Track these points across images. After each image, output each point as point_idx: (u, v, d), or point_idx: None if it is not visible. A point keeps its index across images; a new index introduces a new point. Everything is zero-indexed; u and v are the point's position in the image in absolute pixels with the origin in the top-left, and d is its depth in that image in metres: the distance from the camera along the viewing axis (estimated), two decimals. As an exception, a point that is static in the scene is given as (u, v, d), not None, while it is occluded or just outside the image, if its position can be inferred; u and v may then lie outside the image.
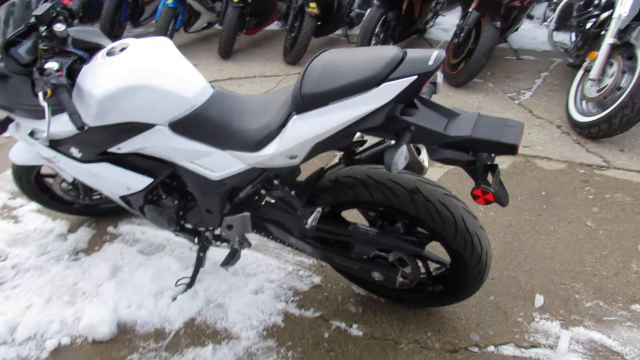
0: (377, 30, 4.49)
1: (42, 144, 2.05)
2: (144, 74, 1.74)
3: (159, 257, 2.43)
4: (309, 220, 1.74)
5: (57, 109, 1.83)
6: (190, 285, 2.22)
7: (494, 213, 2.64)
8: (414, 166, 1.64)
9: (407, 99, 1.41)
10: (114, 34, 6.04)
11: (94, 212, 2.76)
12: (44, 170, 2.48)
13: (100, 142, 1.89)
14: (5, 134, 2.05)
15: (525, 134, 3.40)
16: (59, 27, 1.97)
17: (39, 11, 1.86)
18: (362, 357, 1.91)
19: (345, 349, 1.93)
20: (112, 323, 2.06)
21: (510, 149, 1.34)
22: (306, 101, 1.45)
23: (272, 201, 1.94)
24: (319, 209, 1.74)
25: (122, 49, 1.85)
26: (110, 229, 2.69)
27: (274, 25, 6.19)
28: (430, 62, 1.33)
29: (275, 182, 1.76)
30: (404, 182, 1.65)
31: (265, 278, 2.26)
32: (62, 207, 2.68)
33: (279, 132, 1.56)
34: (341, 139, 1.51)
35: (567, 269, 2.25)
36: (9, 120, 2.07)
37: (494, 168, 1.50)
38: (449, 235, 1.65)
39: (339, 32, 5.85)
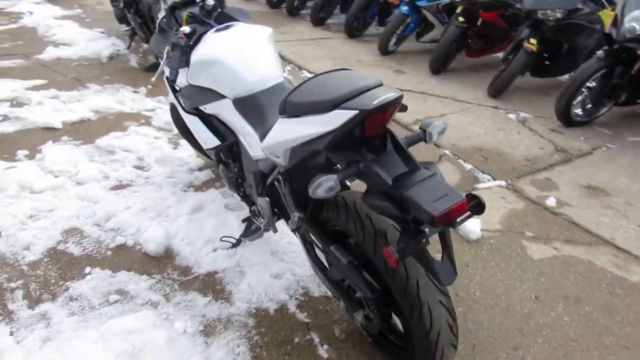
0: (590, 83, 3.92)
1: (169, 88, 2.53)
2: (223, 51, 2.01)
3: (233, 214, 2.74)
4: (289, 222, 1.80)
5: (182, 62, 2.23)
6: (234, 245, 2.48)
7: (555, 314, 2.19)
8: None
9: (364, 135, 1.36)
10: (357, 28, 6.58)
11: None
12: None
13: (193, 99, 2.25)
14: (153, 79, 2.58)
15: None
16: (209, 1, 2.40)
17: None
18: (309, 376, 1.90)
19: (301, 361, 1.95)
20: (161, 245, 2.47)
21: (430, 219, 1.20)
22: (288, 107, 1.52)
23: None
24: (298, 214, 1.77)
25: (227, 29, 2.16)
26: (222, 178, 3.13)
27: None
28: (374, 102, 1.27)
29: (280, 177, 1.86)
30: (377, 223, 1.57)
31: (291, 269, 2.37)
32: (200, 148, 3.22)
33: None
34: (312, 153, 1.53)
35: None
36: (157, 65, 2.61)
37: (444, 239, 1.35)
38: (397, 292, 1.52)
39: (566, 76, 5.24)
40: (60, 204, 2.76)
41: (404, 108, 1.47)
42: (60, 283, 2.24)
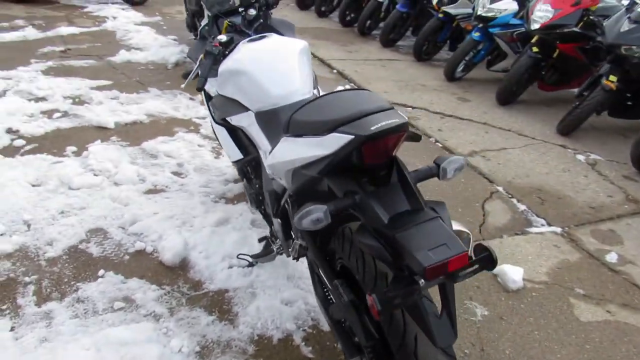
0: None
1: (204, 96, 2.49)
2: (250, 62, 1.93)
3: (257, 231, 2.64)
4: (290, 249, 1.66)
5: (213, 71, 2.18)
6: (250, 265, 2.37)
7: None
8: None
9: (363, 163, 1.20)
10: (426, 51, 6.38)
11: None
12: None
13: (222, 109, 2.19)
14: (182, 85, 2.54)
15: None
16: (251, 12, 2.35)
17: None
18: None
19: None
20: (178, 256, 2.41)
21: (420, 270, 1.02)
22: (291, 125, 1.39)
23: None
24: (299, 242, 1.63)
25: (260, 39, 2.08)
26: (255, 193, 3.05)
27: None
28: (372, 127, 1.11)
29: (288, 199, 1.73)
30: (381, 263, 1.40)
31: (304, 297, 2.23)
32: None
33: None
34: (313, 178, 1.39)
35: None
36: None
37: (444, 293, 1.16)
38: (393, 345, 1.33)
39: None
40: (92, 203, 2.78)
41: (415, 138, 1.30)
42: (72, 283, 2.23)
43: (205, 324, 2.08)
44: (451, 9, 5.81)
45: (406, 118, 1.20)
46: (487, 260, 1.14)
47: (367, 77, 5.50)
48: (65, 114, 3.88)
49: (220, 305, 2.19)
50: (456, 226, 1.45)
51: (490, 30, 5.20)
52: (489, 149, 4.05)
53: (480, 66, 5.72)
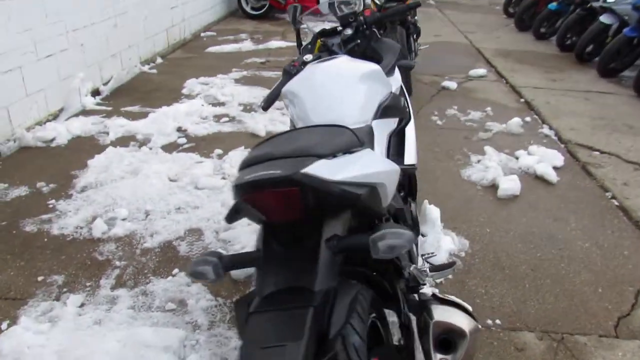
0: None
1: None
2: (304, 83, 1.81)
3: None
4: None
5: None
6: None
7: None
8: None
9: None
10: (610, 68, 5.50)
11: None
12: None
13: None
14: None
15: None
16: (347, 32, 2.24)
17: (342, 14, 2.18)
18: None
19: None
20: (244, 271, 2.40)
21: None
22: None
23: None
24: None
25: (329, 60, 1.94)
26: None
27: None
28: (247, 177, 0.90)
29: None
30: None
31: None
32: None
33: None
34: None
35: None
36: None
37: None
38: None
39: None
40: (206, 205, 2.99)
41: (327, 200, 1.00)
42: (148, 275, 2.42)
43: (233, 347, 2.03)
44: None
45: (310, 172, 0.94)
46: None
47: (558, 110, 4.70)
48: (232, 120, 4.27)
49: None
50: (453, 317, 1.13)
51: None
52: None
53: None
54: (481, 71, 5.84)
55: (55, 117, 4.15)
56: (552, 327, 2.16)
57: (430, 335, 1.20)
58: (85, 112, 4.33)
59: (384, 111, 1.86)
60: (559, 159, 3.62)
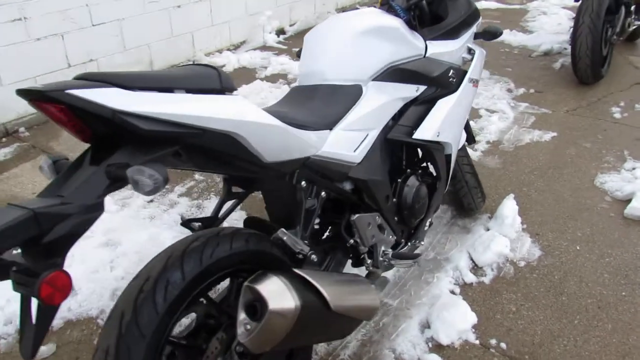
0: None
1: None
2: (312, 35, 1.77)
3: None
4: None
5: None
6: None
7: None
8: None
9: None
10: None
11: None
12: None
13: None
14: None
15: None
16: None
17: None
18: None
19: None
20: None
21: None
22: None
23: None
24: None
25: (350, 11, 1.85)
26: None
27: None
28: None
29: None
30: None
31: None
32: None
33: None
34: None
35: None
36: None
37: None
38: None
39: None
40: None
41: None
42: (212, 194, 2.71)
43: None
44: None
45: (77, 94, 0.89)
46: None
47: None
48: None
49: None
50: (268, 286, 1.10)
51: None
52: None
53: None
54: None
55: (236, 47, 4.72)
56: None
57: (241, 295, 1.16)
58: (264, 48, 4.79)
59: (397, 74, 1.69)
60: None
